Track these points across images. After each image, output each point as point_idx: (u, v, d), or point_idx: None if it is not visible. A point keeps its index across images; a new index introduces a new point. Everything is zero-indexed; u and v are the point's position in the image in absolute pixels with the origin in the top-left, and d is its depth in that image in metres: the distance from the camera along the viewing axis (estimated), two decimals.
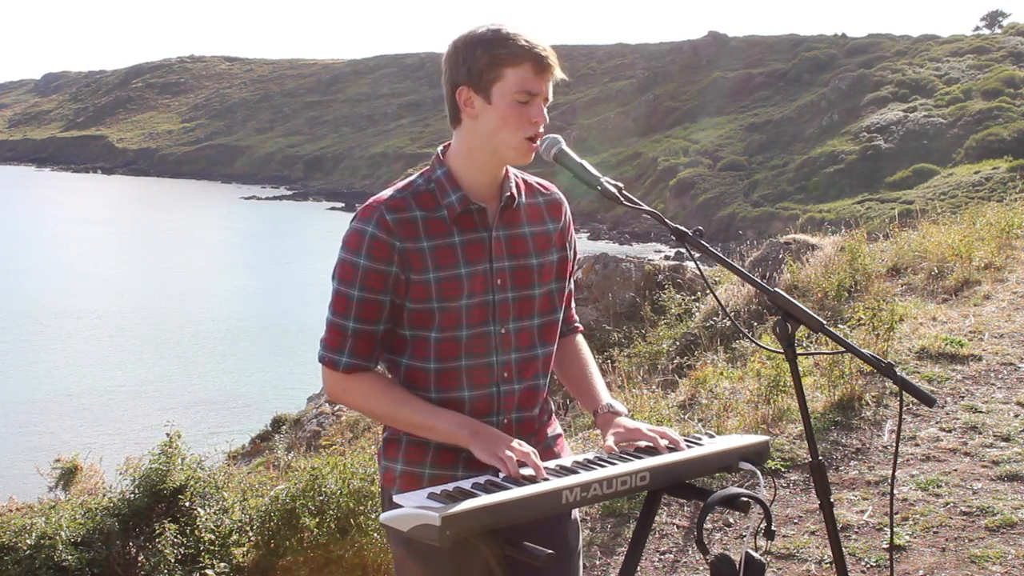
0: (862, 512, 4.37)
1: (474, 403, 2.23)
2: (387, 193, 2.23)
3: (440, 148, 2.29)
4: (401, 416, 2.22)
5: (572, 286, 2.46)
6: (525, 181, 2.35)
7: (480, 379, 2.23)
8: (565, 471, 2.10)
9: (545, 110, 2.19)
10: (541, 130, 2.19)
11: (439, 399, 2.23)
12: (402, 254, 2.15)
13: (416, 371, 2.23)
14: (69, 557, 4.67)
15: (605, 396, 2.40)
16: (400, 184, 2.26)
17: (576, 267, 2.48)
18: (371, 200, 2.23)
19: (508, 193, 2.25)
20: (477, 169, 2.23)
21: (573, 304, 2.50)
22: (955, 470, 4.67)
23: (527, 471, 2.06)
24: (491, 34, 2.15)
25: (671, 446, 2.22)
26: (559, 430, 2.45)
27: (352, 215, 2.25)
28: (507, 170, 2.29)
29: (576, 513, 2.44)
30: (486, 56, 2.13)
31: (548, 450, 2.37)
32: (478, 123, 2.18)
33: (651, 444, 2.23)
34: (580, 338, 2.53)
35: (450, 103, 2.21)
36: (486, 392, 2.24)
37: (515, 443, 2.13)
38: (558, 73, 2.18)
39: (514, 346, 2.26)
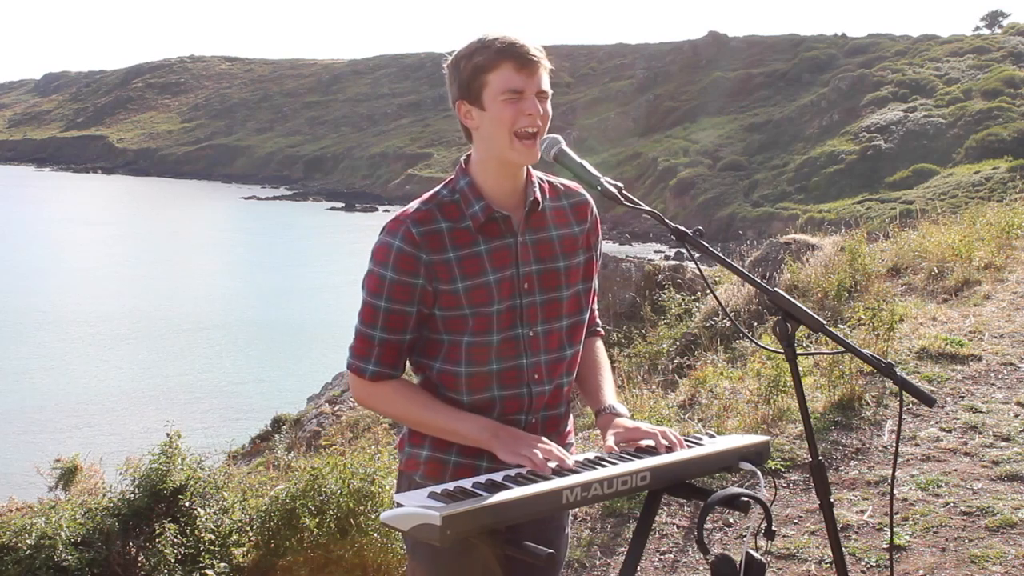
0: (862, 512, 4.37)
1: (504, 402, 2.28)
2: (413, 206, 2.27)
3: (463, 158, 2.32)
4: (425, 420, 2.27)
5: (596, 284, 2.49)
6: (550, 184, 2.37)
7: (510, 380, 2.27)
8: (565, 471, 2.10)
9: (547, 104, 2.20)
10: (539, 123, 2.19)
11: (470, 400, 2.27)
12: (428, 266, 2.19)
13: (448, 375, 2.27)
14: (69, 557, 4.66)
15: (609, 398, 2.42)
16: (425, 196, 2.30)
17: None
18: (398, 213, 2.27)
19: (532, 198, 2.28)
20: (495, 178, 2.26)
21: (596, 304, 2.52)
22: (955, 470, 4.67)
23: (553, 463, 2.09)
24: (472, 46, 2.19)
25: (670, 446, 2.23)
26: (571, 426, 2.47)
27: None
28: (529, 174, 2.30)
29: (568, 529, 2.47)
30: (469, 67, 2.18)
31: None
32: (481, 132, 2.22)
33: (652, 443, 2.23)
34: (599, 342, 2.55)
35: (458, 120, 2.26)
36: (516, 392, 2.28)
37: (535, 439, 2.17)
38: (546, 64, 2.20)
39: (543, 348, 2.30)
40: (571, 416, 2.47)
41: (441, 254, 2.20)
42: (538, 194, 2.29)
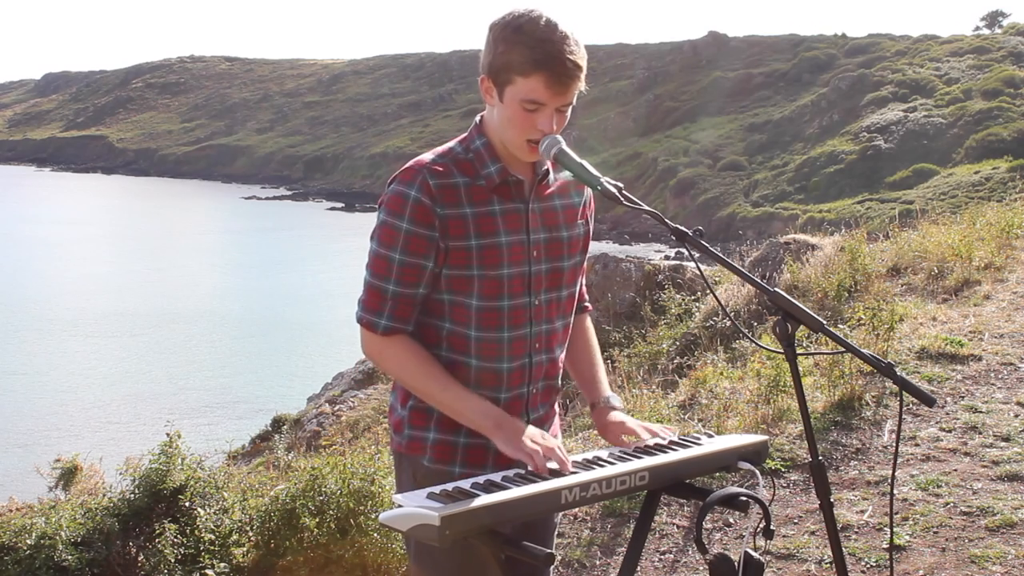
0: (862, 512, 4.37)
1: (511, 374, 2.26)
2: (428, 157, 2.23)
3: (478, 117, 2.30)
4: (431, 391, 2.22)
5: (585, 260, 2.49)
6: None
7: (518, 350, 2.26)
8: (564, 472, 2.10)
9: (566, 113, 2.18)
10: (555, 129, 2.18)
11: (479, 367, 2.23)
12: (443, 220, 2.16)
13: (458, 337, 2.23)
14: (69, 557, 4.66)
15: (605, 389, 2.44)
16: (440, 150, 2.26)
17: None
18: (412, 163, 2.22)
19: (545, 167, 2.28)
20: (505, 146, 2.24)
21: (584, 280, 2.52)
22: (955, 470, 4.67)
23: (553, 464, 2.07)
24: (517, 31, 2.10)
25: (659, 442, 2.25)
26: (555, 408, 2.47)
27: (389, 180, 2.22)
28: None
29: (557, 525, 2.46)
30: (503, 57, 2.11)
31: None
32: (494, 112, 2.21)
33: (642, 437, 2.26)
34: (589, 320, 2.56)
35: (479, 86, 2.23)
36: (520, 363, 2.27)
37: (539, 436, 2.14)
38: (578, 86, 2.15)
39: (544, 317, 2.30)
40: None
41: (457, 208, 2.16)
42: (549, 164, 2.29)
